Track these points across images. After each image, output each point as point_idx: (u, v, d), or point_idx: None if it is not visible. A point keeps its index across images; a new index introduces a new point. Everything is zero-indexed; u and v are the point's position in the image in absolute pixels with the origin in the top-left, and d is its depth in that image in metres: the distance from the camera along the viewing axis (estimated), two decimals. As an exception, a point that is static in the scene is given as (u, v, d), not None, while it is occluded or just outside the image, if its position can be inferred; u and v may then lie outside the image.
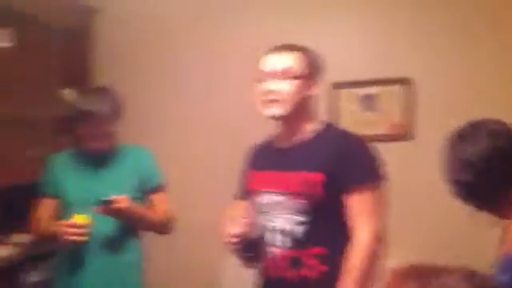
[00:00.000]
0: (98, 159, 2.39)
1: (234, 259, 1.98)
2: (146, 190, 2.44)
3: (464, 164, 1.48)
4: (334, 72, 3.40)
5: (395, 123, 3.41)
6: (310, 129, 1.89)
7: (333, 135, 1.88)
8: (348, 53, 3.47)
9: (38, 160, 2.70)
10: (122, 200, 2.19)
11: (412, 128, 3.39)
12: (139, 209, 2.35)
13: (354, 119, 3.42)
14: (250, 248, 1.82)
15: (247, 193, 1.98)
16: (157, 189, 2.47)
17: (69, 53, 3.34)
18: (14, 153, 2.92)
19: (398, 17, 3.41)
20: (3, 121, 2.81)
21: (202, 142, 3.64)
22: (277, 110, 1.82)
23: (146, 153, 2.50)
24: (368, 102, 3.43)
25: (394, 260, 1.81)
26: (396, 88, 3.41)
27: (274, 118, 1.86)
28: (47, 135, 3.16)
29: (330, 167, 1.77)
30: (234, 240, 1.79)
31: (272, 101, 1.81)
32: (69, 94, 3.38)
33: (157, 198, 2.45)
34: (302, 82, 1.82)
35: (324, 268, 1.78)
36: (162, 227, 2.46)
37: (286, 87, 1.80)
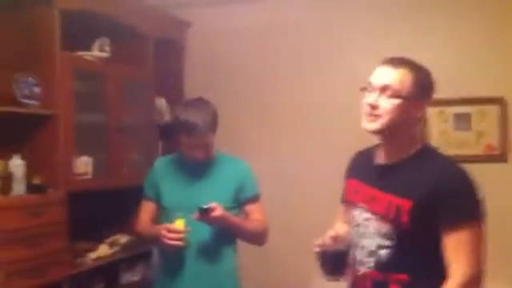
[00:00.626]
0: (197, 167, 2.44)
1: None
2: (242, 200, 2.45)
3: None
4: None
5: (490, 144, 3.28)
6: (410, 150, 1.79)
7: (432, 162, 1.76)
8: (439, 69, 3.37)
9: (140, 164, 2.79)
10: (216, 208, 2.23)
11: (507, 149, 3.25)
12: (234, 218, 2.38)
13: (445, 138, 3.32)
14: (333, 261, 1.77)
15: (345, 201, 1.97)
16: (252, 199, 2.46)
17: (164, 63, 3.46)
18: (122, 157, 3.07)
19: (490, 34, 3.33)
20: (108, 127, 2.95)
21: (297, 155, 3.65)
22: (372, 125, 1.75)
23: (243, 163, 2.53)
24: (461, 121, 3.33)
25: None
26: (490, 107, 3.29)
27: (369, 131, 1.79)
28: (148, 141, 3.30)
29: (422, 197, 1.68)
30: (317, 250, 1.76)
31: (371, 114, 1.75)
32: (163, 103, 3.51)
33: (252, 208, 2.47)
34: (403, 102, 1.71)
35: None
36: (257, 237, 2.47)
37: (385, 104, 1.73)
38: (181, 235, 2.23)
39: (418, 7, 3.45)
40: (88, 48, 3.01)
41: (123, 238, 3.05)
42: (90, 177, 2.82)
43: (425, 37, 3.45)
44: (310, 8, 3.64)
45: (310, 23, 3.65)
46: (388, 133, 1.75)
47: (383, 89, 1.73)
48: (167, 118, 3.48)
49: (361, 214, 1.81)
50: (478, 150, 3.30)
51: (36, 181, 2.54)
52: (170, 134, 3.02)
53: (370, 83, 1.78)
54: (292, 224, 3.42)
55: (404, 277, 1.72)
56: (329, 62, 3.58)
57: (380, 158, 1.85)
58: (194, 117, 2.28)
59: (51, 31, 2.62)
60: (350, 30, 3.58)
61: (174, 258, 2.35)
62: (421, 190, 1.67)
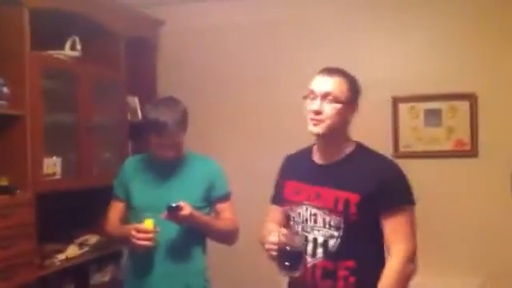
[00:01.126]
0: (166, 166, 2.44)
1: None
2: (213, 200, 2.45)
3: None
4: (395, 86, 3.45)
5: (460, 139, 3.32)
6: (346, 149, 2.01)
7: (368, 158, 2.00)
8: (410, 67, 3.43)
9: (111, 164, 2.78)
10: (184, 207, 2.23)
11: (476, 145, 3.30)
12: (203, 217, 2.37)
13: (415, 135, 3.36)
14: (289, 258, 1.86)
15: (284, 201, 2.08)
16: (223, 198, 2.46)
17: (137, 62, 3.45)
18: (92, 157, 3.06)
19: (462, 31, 3.36)
20: (78, 127, 2.94)
21: (267, 154, 3.63)
22: (317, 129, 1.94)
23: (214, 163, 2.52)
24: (431, 117, 3.36)
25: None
26: (461, 103, 3.33)
27: (314, 135, 1.98)
28: (119, 140, 3.29)
29: (367, 189, 1.89)
30: (273, 247, 1.87)
31: (314, 119, 1.93)
32: (134, 101, 3.50)
33: (222, 207, 2.47)
34: (343, 106, 1.93)
35: (352, 279, 1.91)
36: (227, 236, 2.47)
37: (328, 109, 1.92)
38: (150, 235, 2.22)
39: (392, 6, 3.47)
40: (59, 47, 2.99)
41: (93, 239, 3.04)
42: (59, 177, 2.80)
43: (397, 35, 3.49)
44: (283, 7, 3.66)
45: (282, 23, 3.66)
46: (329, 135, 1.94)
47: (325, 95, 1.92)
48: (139, 116, 3.47)
49: (307, 210, 1.97)
50: (449, 146, 3.33)
51: (4, 182, 2.52)
52: (141, 133, 3.01)
53: (312, 91, 1.96)
54: (257, 223, 3.42)
55: (351, 263, 1.91)
56: (300, 63, 3.59)
57: (319, 159, 2.03)
58: (164, 116, 2.27)
59: (20, 30, 2.60)
60: (324, 31, 3.60)
61: (143, 258, 2.34)
62: (366, 184, 1.89)
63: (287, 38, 3.68)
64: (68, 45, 3.03)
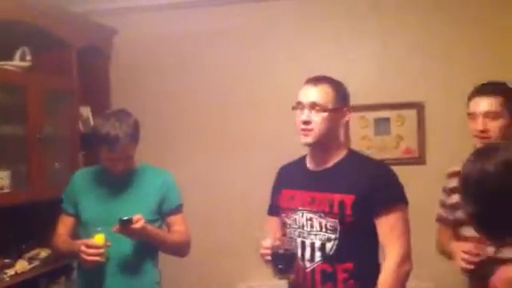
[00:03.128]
0: (118, 180, 2.41)
1: (250, 282, 2.05)
2: (164, 212, 2.45)
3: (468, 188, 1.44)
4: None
5: (408, 147, 3.41)
6: (338, 154, 2.05)
7: (359, 161, 2.06)
8: (360, 77, 3.51)
9: (62, 175, 2.74)
10: (137, 220, 2.21)
11: (424, 152, 3.40)
12: (155, 230, 2.36)
13: (366, 143, 3.44)
14: (282, 260, 1.92)
15: (280, 209, 2.13)
16: (175, 211, 2.45)
17: (89, 71, 3.42)
18: (42, 169, 3.00)
19: (409, 41, 3.46)
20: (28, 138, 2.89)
21: (221, 165, 3.68)
22: (309, 139, 1.99)
23: (166, 174, 2.51)
24: (381, 125, 3.45)
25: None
26: (408, 112, 3.43)
27: (306, 145, 2.03)
28: (70, 152, 3.24)
29: (361, 190, 1.94)
30: (266, 252, 1.93)
31: (305, 130, 1.98)
32: (87, 112, 3.46)
33: (174, 219, 2.46)
34: (330, 114, 1.97)
35: (351, 282, 1.95)
36: (179, 249, 2.47)
37: (316, 118, 1.96)
38: (100, 251, 2.20)
39: (342, 17, 3.55)
40: (9, 57, 2.94)
41: (43, 253, 2.99)
42: (7, 190, 2.75)
43: (348, 46, 3.57)
44: (238, 16, 3.68)
45: (238, 32, 3.68)
46: (320, 143, 2.00)
47: (312, 105, 1.97)
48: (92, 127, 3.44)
49: (303, 216, 2.02)
50: (398, 153, 3.43)
51: (-51, 197, 2.48)
52: (92, 144, 2.99)
53: (299, 102, 2.00)
54: (215, 234, 3.45)
55: (349, 265, 1.95)
56: (258, 72, 3.64)
57: (312, 165, 2.09)
58: (115, 130, 2.24)
59: (-33, 41, 2.55)
60: (277, 41, 3.65)
61: (94, 273, 2.31)
62: (359, 185, 1.95)
63: (240, 46, 3.70)
64: (17, 55, 2.98)
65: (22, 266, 2.85)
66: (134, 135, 2.33)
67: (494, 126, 2.07)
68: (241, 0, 3.67)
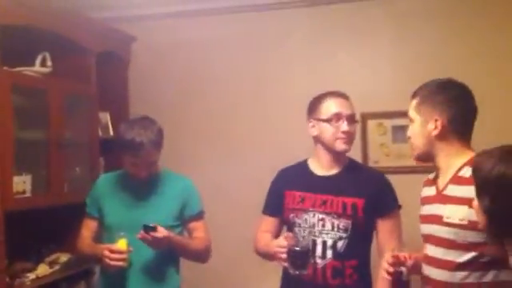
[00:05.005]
0: (140, 185, 2.44)
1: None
2: (186, 218, 2.47)
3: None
4: (363, 103, 3.52)
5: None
6: (343, 162, 2.28)
7: (361, 168, 2.35)
8: (377, 84, 3.52)
9: (82, 181, 2.74)
10: (160, 230, 2.23)
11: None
12: (178, 237, 2.38)
13: (383, 150, 3.44)
14: (299, 257, 2.04)
15: (286, 210, 2.27)
16: (196, 217, 2.49)
17: (108, 78, 3.44)
18: (63, 174, 3.03)
19: (426, 49, 3.46)
20: (49, 143, 2.92)
21: (238, 170, 3.69)
22: (347, 147, 2.22)
23: (188, 181, 2.53)
24: (399, 133, 3.44)
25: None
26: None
27: (344, 152, 2.24)
28: (90, 157, 3.26)
29: (369, 194, 2.17)
30: (281, 250, 2.03)
31: (345, 139, 2.20)
32: (106, 117, 3.49)
33: (196, 225, 2.48)
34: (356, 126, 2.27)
35: (356, 277, 2.16)
36: (200, 255, 2.49)
37: (353, 129, 2.23)
38: (123, 256, 2.23)
39: (359, 25, 3.57)
40: (30, 63, 2.97)
41: (63, 257, 3.00)
42: (28, 195, 2.77)
43: (366, 53, 3.59)
44: (253, 24, 3.70)
45: (253, 39, 3.71)
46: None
47: (351, 117, 2.21)
48: (111, 132, 3.46)
49: (314, 216, 2.19)
50: (415, 161, 3.40)
51: (-28, 200, 2.49)
52: (113, 150, 3.00)
53: (338, 114, 2.20)
54: (231, 241, 3.44)
55: (355, 262, 2.17)
56: (271, 79, 3.65)
57: (319, 171, 2.27)
58: (140, 136, 2.28)
59: (-12, 47, 2.57)
60: (295, 48, 3.66)
61: (116, 278, 2.33)
62: (368, 190, 2.18)
63: (257, 53, 3.73)
64: (38, 61, 3.00)
65: (43, 270, 2.87)
66: (158, 142, 2.37)
67: None
68: (256, 8, 3.69)
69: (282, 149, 3.46)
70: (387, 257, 1.89)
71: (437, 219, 1.81)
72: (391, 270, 1.86)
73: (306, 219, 2.21)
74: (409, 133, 1.96)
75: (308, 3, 3.62)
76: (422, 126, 1.87)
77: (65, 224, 2.83)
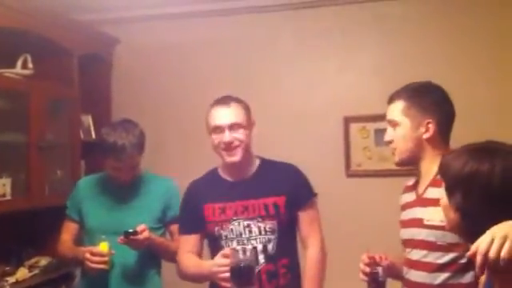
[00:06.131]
0: (122, 188, 2.42)
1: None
2: (167, 220, 2.45)
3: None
4: (346, 106, 3.55)
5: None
6: (254, 163, 2.22)
7: (275, 165, 2.25)
8: (360, 88, 3.53)
9: (63, 184, 2.72)
10: (142, 230, 2.22)
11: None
12: (159, 239, 2.38)
13: (365, 154, 3.45)
14: (245, 273, 1.89)
15: (208, 224, 2.16)
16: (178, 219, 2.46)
17: (89, 80, 3.42)
18: (43, 177, 3.00)
19: (411, 52, 3.48)
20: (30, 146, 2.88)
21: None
22: (235, 158, 2.13)
23: (170, 183, 2.52)
24: (381, 136, 3.46)
25: None
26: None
27: (233, 164, 2.15)
28: (71, 160, 3.23)
29: (287, 190, 2.14)
30: (223, 269, 1.91)
31: (230, 150, 2.12)
32: (88, 120, 3.46)
33: (177, 228, 2.40)
34: (247, 130, 2.16)
35: (289, 275, 2.13)
36: None
37: (240, 136, 2.12)
38: (105, 258, 2.21)
39: (341, 28, 3.58)
40: (11, 65, 2.94)
41: (44, 261, 2.97)
42: (8, 198, 2.74)
43: (348, 57, 3.59)
44: (239, 26, 3.70)
45: (239, 42, 3.71)
46: (244, 157, 2.15)
47: (233, 126, 2.11)
48: (93, 135, 3.43)
49: (240, 224, 2.12)
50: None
51: (-50, 203, 2.46)
52: (95, 153, 2.98)
53: (218, 126, 2.12)
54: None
55: (286, 261, 2.13)
56: (258, 82, 3.65)
57: (231, 177, 2.20)
58: (122, 139, 2.27)
59: (-33, 49, 2.55)
60: (277, 53, 3.66)
61: (97, 281, 2.31)
62: (285, 186, 2.15)
63: (240, 56, 3.72)
64: (19, 63, 2.98)
65: (22, 273, 2.84)
66: (140, 145, 2.36)
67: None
68: (241, 11, 3.69)
69: (268, 151, 3.42)
70: (363, 257, 1.85)
71: (417, 222, 1.81)
72: (367, 270, 1.82)
73: (231, 229, 2.12)
74: (389, 137, 1.91)
75: (293, 7, 3.63)
76: (411, 129, 1.83)
77: (45, 227, 2.80)
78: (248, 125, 2.16)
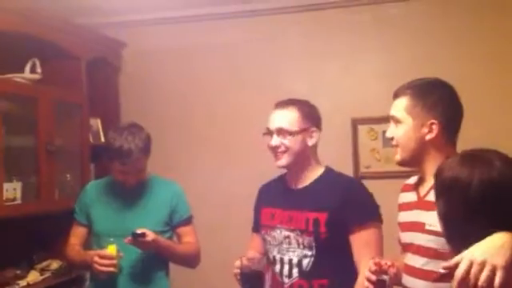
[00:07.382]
0: (129, 191, 2.43)
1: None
2: (175, 223, 2.47)
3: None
4: (354, 108, 3.54)
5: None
6: (314, 173, 2.11)
7: (334, 179, 2.11)
8: (368, 89, 3.53)
9: (72, 187, 2.73)
10: (148, 235, 2.23)
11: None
12: (166, 242, 2.39)
13: (374, 155, 3.45)
14: (251, 280, 1.94)
15: (261, 227, 2.19)
16: (185, 222, 2.49)
17: (98, 84, 3.43)
18: (53, 181, 3.02)
19: (416, 53, 3.48)
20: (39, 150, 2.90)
21: (226, 177, 3.67)
22: (281, 163, 2.08)
23: (176, 186, 2.54)
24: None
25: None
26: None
27: (280, 168, 2.13)
28: (81, 164, 3.25)
29: (333, 207, 1.98)
30: (236, 272, 1.96)
31: (277, 155, 2.08)
32: (97, 124, 3.48)
33: (184, 230, 2.48)
34: (297, 137, 2.05)
35: None
36: (189, 260, 2.49)
37: (288, 143, 2.05)
38: (113, 261, 2.23)
39: (348, 30, 3.58)
40: (20, 70, 2.96)
41: (55, 264, 3.00)
42: (19, 202, 2.76)
43: (354, 60, 3.59)
44: (244, 29, 3.70)
45: (244, 45, 3.71)
46: (293, 164, 2.08)
47: (278, 130, 2.06)
48: (102, 139, 3.45)
49: (281, 233, 2.07)
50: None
51: (-38, 207, 2.48)
52: (103, 157, 3.00)
53: (268, 129, 2.10)
54: (221, 246, 3.44)
55: (325, 281, 2.00)
56: (261, 85, 3.65)
57: (291, 184, 2.15)
58: (128, 143, 2.28)
59: (-21, 54, 2.57)
60: (286, 55, 3.66)
61: (107, 284, 2.33)
62: (332, 203, 1.99)
63: (246, 59, 3.72)
64: (28, 67, 3.00)
65: (34, 277, 2.86)
66: (146, 149, 2.37)
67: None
68: (246, 14, 3.70)
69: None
70: (369, 265, 1.72)
71: (418, 227, 1.71)
72: (373, 278, 1.69)
73: (274, 236, 2.10)
74: (391, 134, 1.83)
75: (298, 9, 3.63)
76: (414, 129, 1.73)
77: (56, 231, 2.82)
78: (300, 130, 2.05)
